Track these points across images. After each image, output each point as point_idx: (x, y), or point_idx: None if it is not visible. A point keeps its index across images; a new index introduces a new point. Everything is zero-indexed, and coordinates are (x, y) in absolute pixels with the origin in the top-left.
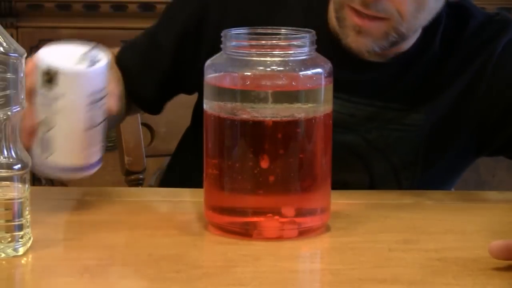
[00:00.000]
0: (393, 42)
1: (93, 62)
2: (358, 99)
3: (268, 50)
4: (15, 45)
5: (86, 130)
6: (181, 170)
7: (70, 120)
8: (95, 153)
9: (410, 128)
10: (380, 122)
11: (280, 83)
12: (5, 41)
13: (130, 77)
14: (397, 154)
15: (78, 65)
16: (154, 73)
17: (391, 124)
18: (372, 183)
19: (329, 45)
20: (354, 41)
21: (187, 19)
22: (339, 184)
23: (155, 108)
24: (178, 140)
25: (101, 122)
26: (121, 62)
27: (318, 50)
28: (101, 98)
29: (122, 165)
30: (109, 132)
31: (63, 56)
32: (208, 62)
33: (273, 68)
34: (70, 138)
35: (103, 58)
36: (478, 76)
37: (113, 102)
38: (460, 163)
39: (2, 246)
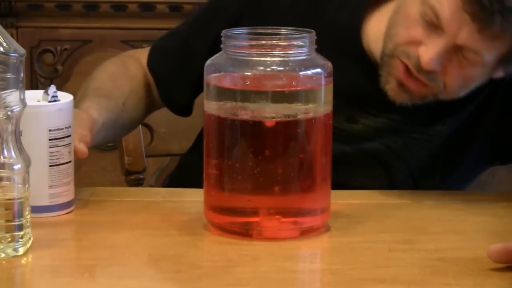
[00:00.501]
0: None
1: (52, 100)
2: (387, 114)
3: (268, 50)
4: (15, 45)
5: (49, 167)
6: (194, 171)
7: (32, 155)
8: (63, 194)
9: (432, 138)
10: (405, 133)
11: (280, 83)
12: (5, 41)
13: (162, 84)
14: (417, 163)
15: (37, 102)
16: (188, 80)
17: (415, 134)
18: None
19: (361, 63)
20: (392, 90)
21: (221, 23)
22: (355, 189)
23: (187, 111)
24: (178, 140)
25: (67, 162)
26: (152, 68)
27: (348, 65)
28: (65, 137)
29: (122, 165)
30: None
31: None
32: (208, 62)
33: (273, 68)
34: (33, 174)
35: (65, 97)
36: (496, 85)
37: (82, 146)
38: (474, 171)
39: (2, 246)
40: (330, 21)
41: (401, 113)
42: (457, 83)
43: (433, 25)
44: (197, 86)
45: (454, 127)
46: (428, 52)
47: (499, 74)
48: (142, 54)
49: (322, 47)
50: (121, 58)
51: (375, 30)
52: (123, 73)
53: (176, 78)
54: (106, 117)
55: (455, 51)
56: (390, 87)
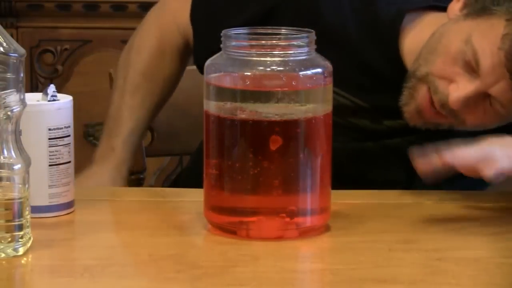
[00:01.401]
0: None
1: (51, 99)
2: None
3: (268, 50)
4: (15, 45)
5: (48, 167)
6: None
7: (31, 155)
8: (63, 195)
9: (456, 134)
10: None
11: (280, 83)
12: (5, 41)
13: (199, 44)
14: None
15: (36, 101)
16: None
17: (439, 131)
18: (411, 182)
19: (396, 73)
20: (408, 113)
21: (256, 7)
22: (375, 181)
23: None
24: (178, 140)
25: (67, 162)
26: (193, 19)
27: (382, 73)
28: (65, 136)
29: None
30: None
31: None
32: (208, 62)
33: (273, 68)
34: (33, 174)
35: (65, 97)
36: None
37: None
38: None
39: (2, 246)
40: (373, 18)
41: None
42: (476, 124)
43: (470, 67)
44: None
45: None
46: (459, 92)
47: None
48: (180, 11)
49: (362, 41)
50: (156, 34)
51: (412, 41)
52: (158, 63)
53: (205, 42)
54: (139, 137)
55: (483, 97)
56: (408, 110)
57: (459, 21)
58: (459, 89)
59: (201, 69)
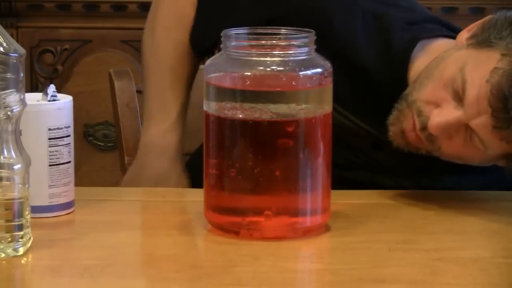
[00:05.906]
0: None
1: (51, 99)
2: None
3: (268, 50)
4: (15, 45)
5: (48, 167)
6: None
7: (31, 155)
8: (63, 195)
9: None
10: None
11: (280, 83)
12: (5, 41)
13: (195, 22)
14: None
15: (36, 101)
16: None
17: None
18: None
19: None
20: (393, 133)
21: (266, 13)
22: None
23: (206, 53)
24: None
25: (67, 162)
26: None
27: (388, 95)
28: (65, 136)
29: (122, 165)
30: None
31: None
32: (208, 62)
33: (273, 68)
34: (33, 174)
35: (65, 97)
36: None
37: None
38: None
39: (2, 246)
40: (386, 40)
41: None
42: (453, 154)
43: (458, 96)
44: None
45: None
46: (440, 117)
47: (501, 163)
48: None
49: (371, 61)
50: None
51: (419, 66)
52: (180, 48)
53: (207, 27)
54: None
55: (465, 128)
56: (393, 129)
57: (461, 49)
58: (442, 114)
59: (194, 47)
